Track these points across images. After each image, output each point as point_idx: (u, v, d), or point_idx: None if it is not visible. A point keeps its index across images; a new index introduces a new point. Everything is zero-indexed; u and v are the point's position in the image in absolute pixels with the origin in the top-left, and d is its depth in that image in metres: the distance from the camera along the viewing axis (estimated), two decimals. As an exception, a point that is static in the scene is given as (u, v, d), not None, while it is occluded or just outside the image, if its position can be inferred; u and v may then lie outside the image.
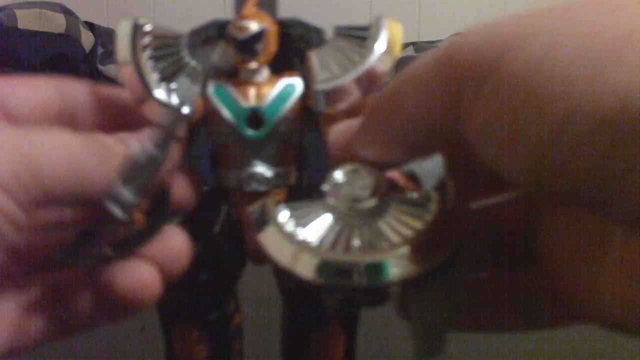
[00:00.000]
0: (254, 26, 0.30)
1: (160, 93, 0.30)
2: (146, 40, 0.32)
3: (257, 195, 0.31)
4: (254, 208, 0.29)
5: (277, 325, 0.36)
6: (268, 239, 0.28)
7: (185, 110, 0.30)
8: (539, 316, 0.29)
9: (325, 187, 0.28)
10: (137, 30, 0.31)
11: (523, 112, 0.20)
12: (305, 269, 0.27)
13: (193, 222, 0.34)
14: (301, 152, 0.33)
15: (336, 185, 0.28)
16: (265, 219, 0.28)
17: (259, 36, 0.30)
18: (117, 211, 0.27)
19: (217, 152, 0.33)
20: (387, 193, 0.28)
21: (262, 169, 0.31)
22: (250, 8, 0.31)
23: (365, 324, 0.36)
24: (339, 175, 0.29)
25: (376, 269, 0.26)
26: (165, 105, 0.30)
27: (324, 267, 0.27)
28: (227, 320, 0.36)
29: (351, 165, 0.29)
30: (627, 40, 0.18)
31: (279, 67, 0.32)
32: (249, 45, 0.30)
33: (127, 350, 0.49)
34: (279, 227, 0.28)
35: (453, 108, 0.22)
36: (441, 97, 0.23)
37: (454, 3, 1.47)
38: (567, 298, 0.25)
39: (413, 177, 0.32)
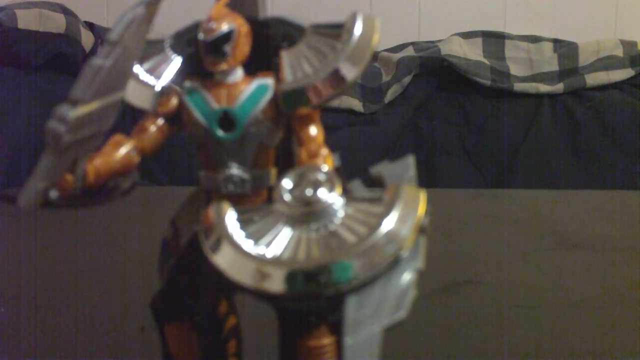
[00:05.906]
0: (221, 27, 0.30)
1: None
2: None
3: (235, 198, 0.31)
4: (204, 225, 0.29)
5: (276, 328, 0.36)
6: (225, 261, 0.28)
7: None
8: None
9: (275, 195, 0.28)
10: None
11: None
12: (273, 283, 0.27)
13: (177, 222, 0.34)
14: (284, 152, 0.33)
15: (286, 192, 0.28)
16: (218, 238, 0.28)
17: (226, 37, 0.30)
18: (57, 126, 0.26)
19: (196, 154, 0.32)
20: (339, 191, 0.28)
21: (238, 171, 0.31)
22: (218, 9, 0.31)
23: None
24: (286, 182, 0.29)
25: (342, 270, 0.27)
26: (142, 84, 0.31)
27: (293, 278, 0.27)
28: (219, 321, 0.36)
29: (298, 169, 0.29)
30: None
31: (261, 67, 0.31)
32: (217, 47, 0.30)
33: (127, 350, 0.49)
34: (235, 246, 0.28)
35: None
36: None
37: (454, 3, 1.47)
38: None
39: (378, 178, 0.32)
